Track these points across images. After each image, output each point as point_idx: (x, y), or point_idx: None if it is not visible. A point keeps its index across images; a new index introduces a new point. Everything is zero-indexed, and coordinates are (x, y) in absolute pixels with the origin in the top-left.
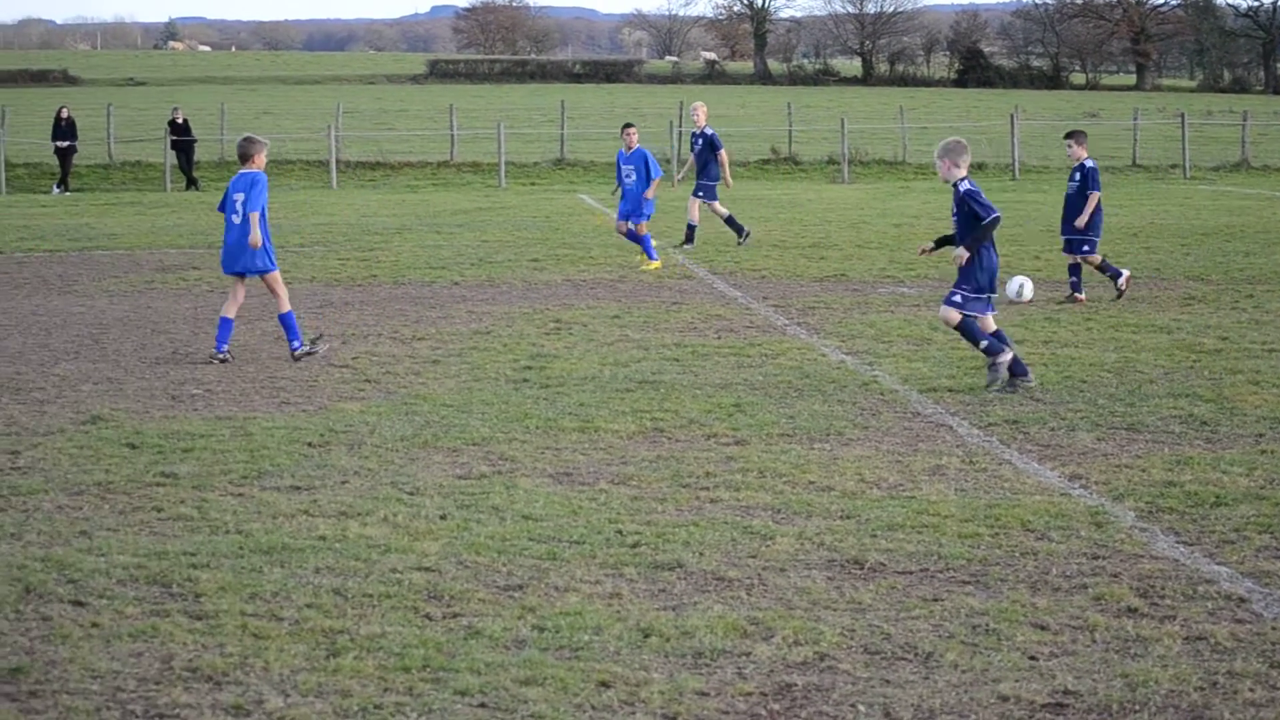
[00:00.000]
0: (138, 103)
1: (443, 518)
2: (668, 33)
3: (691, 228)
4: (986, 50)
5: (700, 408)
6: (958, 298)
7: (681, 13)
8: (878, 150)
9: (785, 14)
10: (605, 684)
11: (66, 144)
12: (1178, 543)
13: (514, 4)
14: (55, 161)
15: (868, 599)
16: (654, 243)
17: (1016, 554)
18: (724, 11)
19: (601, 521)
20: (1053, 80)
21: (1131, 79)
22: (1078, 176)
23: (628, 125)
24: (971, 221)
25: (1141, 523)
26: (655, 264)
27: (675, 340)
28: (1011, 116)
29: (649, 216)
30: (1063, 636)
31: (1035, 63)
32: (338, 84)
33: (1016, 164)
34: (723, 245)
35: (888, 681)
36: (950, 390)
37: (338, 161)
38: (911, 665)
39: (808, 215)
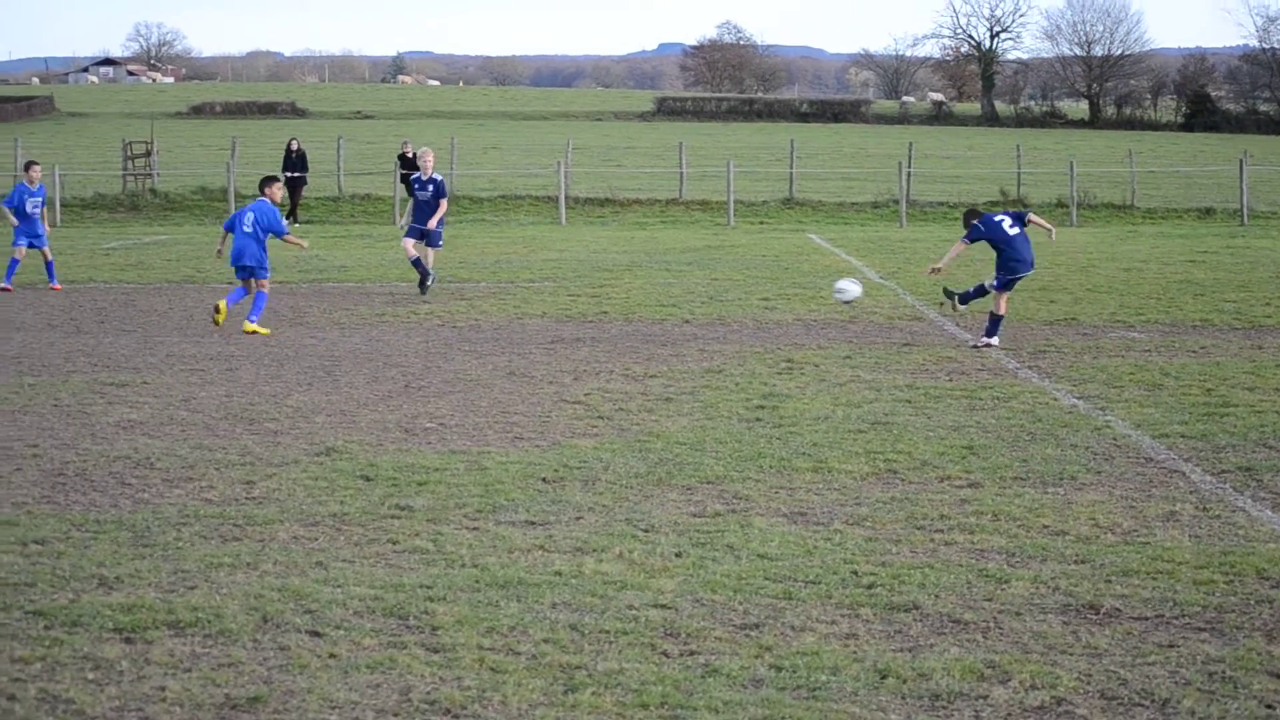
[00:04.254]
0: (366, 136)
1: (678, 555)
2: (894, 73)
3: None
4: (1214, 94)
5: (933, 450)
6: None
7: (908, 53)
8: (1105, 194)
9: (1012, 55)
10: None
11: (297, 176)
12: None
13: (741, 42)
14: (285, 193)
15: (1104, 644)
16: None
17: (1252, 601)
18: (951, 53)
19: (837, 562)
20: None
21: None
22: None
23: (270, 179)
24: None
25: None
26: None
27: (907, 382)
28: (1240, 161)
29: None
30: None
31: (1263, 107)
32: (565, 120)
33: (1245, 210)
34: (954, 285)
35: None
36: (1183, 436)
37: (567, 197)
38: (1148, 711)
39: (1036, 258)
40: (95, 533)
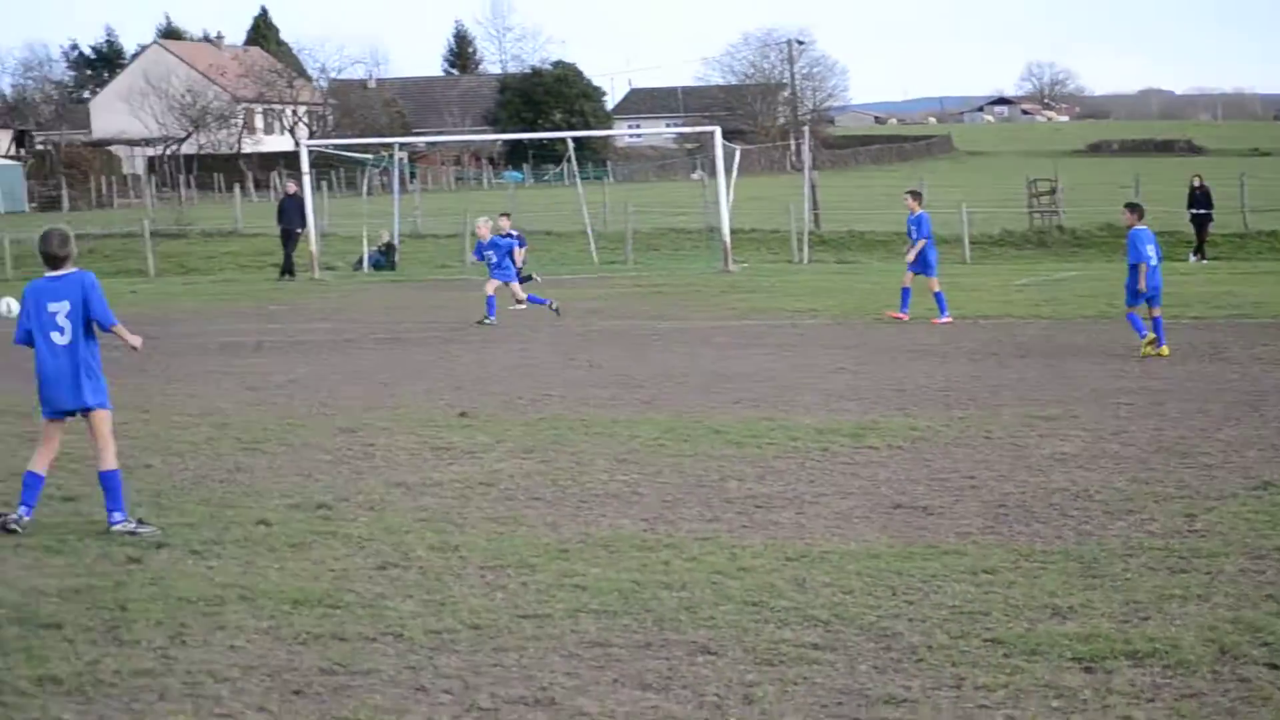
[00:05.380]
0: (1266, 173)
1: None
2: None
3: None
4: None
5: None
6: None
7: None
8: None
9: None
10: None
11: (1202, 212)
12: None
13: None
14: (1190, 230)
15: None
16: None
17: None
18: None
19: None
20: None
21: None
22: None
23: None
24: None
25: None
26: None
27: None
28: None
29: None
30: None
31: None
32: None
33: None
34: None
35: None
36: None
37: None
38: None
39: None
40: (1043, 563)
